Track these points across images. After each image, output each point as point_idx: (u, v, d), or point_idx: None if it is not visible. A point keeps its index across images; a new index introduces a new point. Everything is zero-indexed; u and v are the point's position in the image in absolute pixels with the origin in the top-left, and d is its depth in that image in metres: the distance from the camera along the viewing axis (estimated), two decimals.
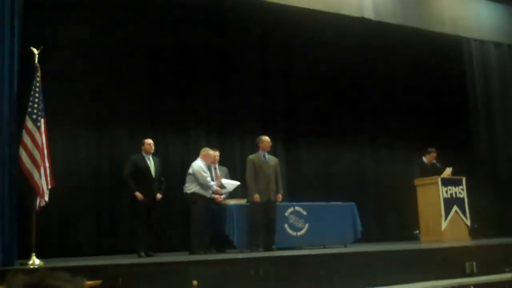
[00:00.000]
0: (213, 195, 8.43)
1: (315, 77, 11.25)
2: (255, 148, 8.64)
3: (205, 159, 8.49)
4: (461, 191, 9.61)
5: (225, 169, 8.96)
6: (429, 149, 10.19)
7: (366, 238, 9.74)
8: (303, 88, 11.32)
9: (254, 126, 10.27)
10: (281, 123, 11.29)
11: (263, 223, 8.15)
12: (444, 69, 12.00)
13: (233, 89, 10.67)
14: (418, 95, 12.28)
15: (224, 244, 8.33)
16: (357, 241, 9.38)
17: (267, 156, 8.47)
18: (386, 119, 12.14)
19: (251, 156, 8.44)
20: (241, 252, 8.04)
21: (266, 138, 8.47)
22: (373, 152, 12.35)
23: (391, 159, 12.25)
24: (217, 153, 8.81)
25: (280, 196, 8.41)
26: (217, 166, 8.82)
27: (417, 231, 9.85)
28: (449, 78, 12.06)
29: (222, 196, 8.59)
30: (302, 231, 8.72)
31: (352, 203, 9.42)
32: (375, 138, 12.26)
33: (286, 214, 8.67)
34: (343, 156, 11.84)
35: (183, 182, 8.42)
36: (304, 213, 8.81)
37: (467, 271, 7.43)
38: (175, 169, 9.54)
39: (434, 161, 10.11)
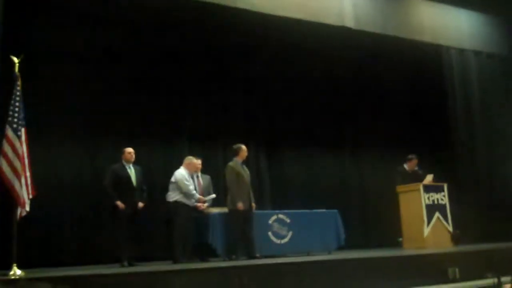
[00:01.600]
0: (195, 204, 8.39)
1: (298, 86, 11.28)
2: (231, 156, 8.62)
3: (188, 167, 8.46)
4: (443, 198, 9.67)
5: (207, 177, 8.92)
6: (410, 156, 10.24)
7: (349, 245, 9.77)
8: (286, 97, 11.33)
9: (237, 134, 10.21)
10: (264, 132, 11.30)
11: (242, 231, 8.12)
12: (424, 78, 12.10)
13: (216, 97, 10.65)
14: (399, 103, 12.37)
15: (207, 252, 8.29)
16: (340, 248, 9.41)
17: (243, 165, 8.48)
18: (368, 127, 12.20)
19: (231, 164, 8.41)
20: (224, 260, 8.00)
21: (244, 147, 8.49)
22: (355, 159, 12.42)
23: (373, 167, 12.30)
24: (199, 162, 8.78)
25: (254, 206, 8.41)
26: (199, 174, 8.78)
27: (401, 239, 9.88)
28: (429, 86, 12.16)
29: (205, 205, 8.55)
30: (286, 239, 8.71)
31: (335, 211, 9.44)
32: (357, 146, 12.32)
33: (270, 222, 8.66)
34: (326, 164, 11.87)
35: (165, 190, 8.37)
36: (288, 220, 8.80)
37: (450, 276, 7.46)
38: (158, 177, 9.47)
39: (416, 168, 10.16)
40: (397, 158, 10.66)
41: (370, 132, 12.18)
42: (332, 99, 11.81)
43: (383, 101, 12.26)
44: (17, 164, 6.00)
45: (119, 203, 7.72)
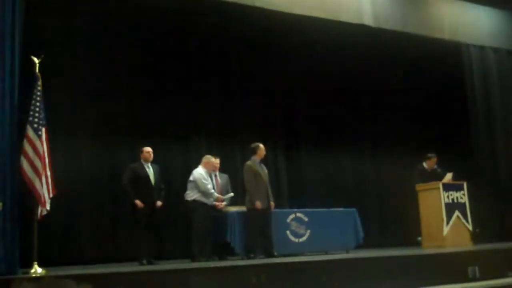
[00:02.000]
0: (214, 202, 8.42)
1: (316, 84, 11.27)
2: (249, 155, 8.63)
3: (206, 166, 8.50)
4: (462, 196, 9.59)
5: (225, 176, 8.97)
6: (430, 155, 10.16)
7: (368, 244, 9.75)
8: (304, 95, 11.34)
9: (255, 133, 10.22)
10: (281, 130, 11.34)
11: (261, 230, 8.15)
12: (443, 75, 11.99)
13: (234, 96, 10.69)
14: (418, 101, 12.28)
15: (225, 251, 8.34)
16: (359, 247, 9.39)
17: (261, 164, 8.49)
18: (387, 125, 12.14)
19: (249, 163, 8.43)
20: (242, 259, 8.03)
21: (262, 146, 8.50)
22: (374, 158, 12.38)
23: (391, 166, 12.24)
24: (217, 161, 8.81)
25: (273, 204, 8.42)
26: (217, 173, 8.82)
27: (420, 238, 9.83)
28: (449, 84, 12.06)
29: (224, 203, 8.58)
30: (304, 238, 8.73)
31: (354, 209, 9.45)
32: (376, 144, 12.28)
33: (288, 220, 8.68)
34: (344, 163, 11.85)
35: (184, 189, 8.42)
36: (306, 219, 8.82)
37: (470, 276, 7.41)
38: (176, 176, 9.55)
39: (435, 166, 10.09)
40: (416, 157, 10.61)
41: (389, 131, 12.12)
42: (350, 98, 11.77)
43: (402, 99, 12.19)
44: (37, 163, 6.07)
45: (138, 202, 7.77)
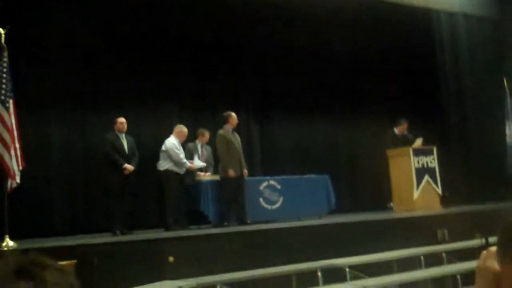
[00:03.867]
0: (198, 173, 8.54)
1: (287, 51, 11.20)
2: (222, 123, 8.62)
3: (178, 136, 8.45)
4: (432, 161, 9.74)
5: (209, 148, 9.02)
6: (400, 120, 10.28)
7: (340, 210, 9.86)
8: (276, 63, 11.27)
9: (227, 101, 10.22)
10: (254, 98, 11.28)
11: (234, 198, 8.19)
12: (414, 43, 12.04)
13: (205, 65, 10.57)
14: (389, 69, 12.31)
15: (199, 220, 8.36)
16: (331, 212, 9.49)
17: (234, 132, 8.49)
18: (357, 92, 12.17)
19: (221, 132, 8.43)
20: (216, 227, 8.07)
21: (234, 114, 8.49)
22: (346, 125, 12.36)
23: (363, 132, 12.25)
24: (206, 133, 8.83)
25: (246, 172, 8.45)
26: (204, 145, 8.87)
27: (390, 204, 9.99)
28: (419, 51, 12.10)
29: (208, 174, 8.61)
30: (277, 205, 8.79)
31: (326, 176, 9.53)
32: (347, 111, 12.27)
33: (261, 188, 8.72)
34: (316, 130, 11.86)
35: (156, 159, 8.38)
36: (279, 186, 8.87)
37: (439, 238, 7.58)
38: (148, 147, 9.42)
39: (405, 132, 10.22)
40: (386, 123, 10.72)
41: (360, 97, 12.16)
42: (321, 65, 11.73)
43: (373, 66, 12.22)
44: (6, 136, 5.99)
45: (128, 166, 7.81)
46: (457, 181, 10.80)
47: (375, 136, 11.12)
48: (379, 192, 10.56)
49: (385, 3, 10.77)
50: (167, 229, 7.89)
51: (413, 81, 12.43)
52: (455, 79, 12.05)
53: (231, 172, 8.14)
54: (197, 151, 8.75)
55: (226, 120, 8.45)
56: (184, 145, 8.61)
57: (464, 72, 12.12)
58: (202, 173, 8.62)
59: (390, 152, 9.84)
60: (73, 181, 9.03)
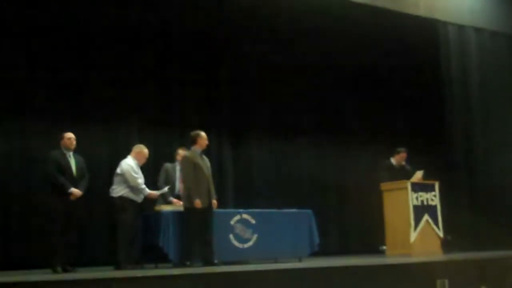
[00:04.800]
0: (172, 200, 8.62)
1: (269, 64, 11.26)
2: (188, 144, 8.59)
3: (137, 157, 8.40)
4: (433, 198, 9.81)
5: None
6: (399, 149, 10.37)
7: (324, 251, 9.90)
8: (255, 77, 11.31)
9: (196, 118, 10.26)
10: (228, 116, 11.31)
11: (199, 233, 8.15)
12: (418, 56, 12.19)
13: (171, 77, 10.57)
14: (388, 88, 12.46)
15: (157, 257, 8.28)
16: (314, 254, 9.46)
17: (203, 155, 8.48)
18: (351, 114, 12.27)
19: (188, 154, 8.39)
20: (177, 267, 8.01)
21: (204, 134, 8.45)
22: (334, 150, 12.46)
23: (355, 160, 12.35)
24: (181, 152, 8.81)
25: (215, 203, 8.43)
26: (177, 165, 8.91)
27: (384, 247, 10.01)
28: (423, 67, 12.28)
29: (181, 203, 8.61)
30: (250, 243, 8.73)
31: (309, 211, 9.49)
32: (338, 135, 12.37)
33: (232, 222, 8.67)
34: (300, 156, 11.91)
35: (109, 184, 8.31)
36: (253, 221, 8.82)
37: None
38: (101, 169, 9.41)
39: (404, 162, 10.29)
40: (383, 151, 10.79)
41: (352, 120, 12.28)
42: (309, 80, 11.83)
43: (371, 83, 12.33)
44: None
45: (74, 190, 7.72)
46: (462, 223, 10.88)
47: (369, 165, 11.21)
48: (370, 232, 10.59)
49: (385, 10, 10.90)
50: (118, 267, 7.81)
51: (415, 103, 12.56)
52: (463, 102, 12.17)
53: (198, 202, 8.08)
54: (175, 174, 8.81)
55: (194, 141, 8.41)
56: (158, 165, 8.71)
57: (473, 93, 12.26)
58: (175, 200, 8.64)
59: (385, 186, 9.89)
60: (6, 205, 8.92)
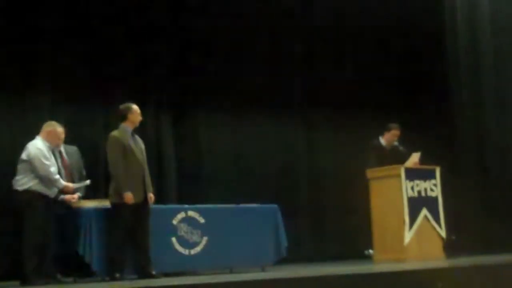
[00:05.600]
0: (64, 196, 8.36)
1: (222, 19, 11.27)
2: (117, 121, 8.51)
3: (49, 138, 8.29)
4: (433, 187, 9.86)
5: (75, 149, 8.97)
6: (390, 125, 10.35)
7: (295, 257, 9.97)
8: (204, 35, 11.28)
9: (127, 90, 10.21)
10: (167, 86, 11.26)
11: (132, 237, 8.11)
12: (418, 19, 12.29)
13: (94, 39, 10.47)
14: (379, 51, 12.61)
15: (76, 268, 8.21)
16: (281, 261, 9.49)
17: (135, 135, 8.40)
18: (330, 82, 12.28)
19: (115, 133, 8.29)
20: (103, 280, 7.96)
21: (136, 107, 8.39)
22: (310, 128, 12.52)
23: (334, 140, 12.41)
24: (62, 130, 8.67)
25: (152, 197, 8.38)
26: (62, 148, 8.72)
27: (370, 251, 10.04)
28: (424, 31, 12.36)
29: (76, 195, 8.44)
30: (198, 248, 8.75)
31: (275, 206, 9.51)
32: (313, 111, 12.42)
33: (175, 222, 8.66)
34: (263, 137, 11.90)
35: (12, 173, 8.19)
36: (202, 220, 8.83)
37: None
38: (2, 154, 9.34)
39: (396, 143, 10.30)
40: (371, 128, 10.81)
41: (332, 89, 12.29)
42: (275, 38, 11.80)
43: (352, 46, 12.38)
44: None
45: None
46: (470, 219, 10.96)
47: (352, 147, 11.22)
48: (353, 232, 10.62)
49: None
50: (25, 281, 7.75)
51: (414, 74, 12.62)
52: (472, 75, 12.28)
53: (129, 196, 8.02)
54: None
55: (123, 116, 8.33)
56: None
57: (484, 60, 12.37)
58: (68, 196, 8.37)
59: (373, 172, 9.90)
60: None
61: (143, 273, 8.03)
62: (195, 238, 8.74)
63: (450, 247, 9.96)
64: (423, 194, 9.74)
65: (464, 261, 9.18)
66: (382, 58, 12.74)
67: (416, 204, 9.63)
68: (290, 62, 12.05)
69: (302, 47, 12.23)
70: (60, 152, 8.65)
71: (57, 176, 8.18)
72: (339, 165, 11.73)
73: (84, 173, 8.85)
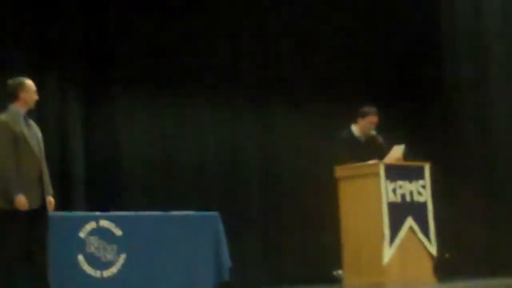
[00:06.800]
0: None
1: None
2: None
3: None
4: (421, 191, 9.88)
5: None
6: (365, 110, 10.32)
7: (242, 280, 10.02)
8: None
9: (29, 61, 10.26)
10: (77, 58, 11.22)
11: (23, 253, 8.00)
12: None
13: None
14: (354, 20, 12.67)
15: None
16: (223, 286, 9.44)
17: (29, 120, 8.30)
18: (288, 59, 12.32)
19: (2, 117, 8.17)
20: None
21: (30, 82, 8.28)
22: (261, 116, 12.56)
23: (294, 130, 12.45)
24: None
25: (52, 201, 8.28)
26: None
27: (340, 271, 10.03)
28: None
29: None
30: (113, 269, 8.69)
31: (215, 213, 9.47)
32: (266, 91, 12.53)
33: (82, 235, 8.59)
34: (199, 125, 11.89)
35: None
36: (119, 232, 8.79)
37: None
38: None
39: (373, 132, 10.28)
40: (341, 115, 10.82)
41: (290, 68, 12.52)
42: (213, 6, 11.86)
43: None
44: None
45: None
46: (468, 232, 11.03)
47: (316, 139, 11.24)
48: (318, 249, 10.63)
49: None
50: None
51: (399, 47, 12.80)
52: (472, 50, 12.45)
53: (21, 200, 7.90)
54: None
55: (13, 95, 8.21)
56: None
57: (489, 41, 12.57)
58: None
59: (343, 170, 9.89)
60: None
61: None
62: (109, 256, 8.67)
63: (443, 268, 9.98)
64: (408, 199, 9.76)
65: (460, 286, 9.24)
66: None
67: (399, 211, 9.64)
68: (230, 39, 12.11)
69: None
70: None
71: None
72: (299, 163, 11.76)
73: None
